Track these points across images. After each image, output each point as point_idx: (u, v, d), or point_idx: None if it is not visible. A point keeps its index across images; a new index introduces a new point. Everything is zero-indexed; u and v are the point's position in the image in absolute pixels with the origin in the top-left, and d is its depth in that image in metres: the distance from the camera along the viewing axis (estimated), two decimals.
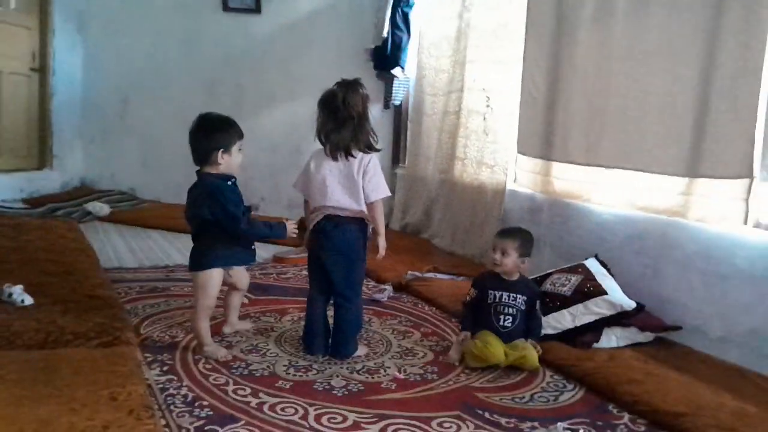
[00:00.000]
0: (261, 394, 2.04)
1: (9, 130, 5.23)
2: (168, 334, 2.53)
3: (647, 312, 2.68)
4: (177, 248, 4.17)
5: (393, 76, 5.31)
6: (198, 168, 2.32)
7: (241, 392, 2.04)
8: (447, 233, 4.54)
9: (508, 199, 3.95)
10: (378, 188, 2.38)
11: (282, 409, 1.93)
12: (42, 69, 5.45)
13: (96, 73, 5.75)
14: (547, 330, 2.60)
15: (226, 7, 5.67)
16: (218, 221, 2.25)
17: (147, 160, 5.86)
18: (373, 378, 2.25)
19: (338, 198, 2.36)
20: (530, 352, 2.37)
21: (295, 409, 1.95)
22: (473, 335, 2.45)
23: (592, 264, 2.88)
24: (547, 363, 2.42)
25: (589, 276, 2.77)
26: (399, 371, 2.32)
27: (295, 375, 2.23)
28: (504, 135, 4.02)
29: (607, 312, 2.61)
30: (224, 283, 2.42)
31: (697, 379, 2.29)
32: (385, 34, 5.18)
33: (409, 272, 3.63)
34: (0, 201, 4.80)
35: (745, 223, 2.57)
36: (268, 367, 2.28)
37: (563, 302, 2.69)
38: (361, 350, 2.48)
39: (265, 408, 1.94)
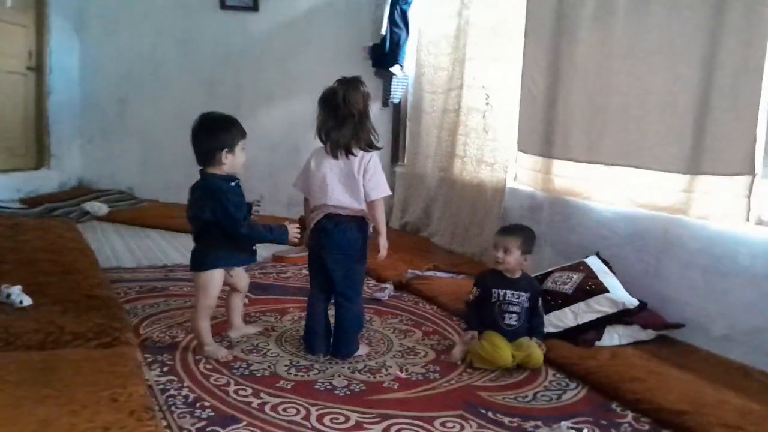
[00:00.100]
0: (262, 395, 2.02)
1: (6, 129, 5.20)
2: (168, 335, 2.52)
3: (649, 310, 2.67)
4: (176, 248, 4.15)
5: (392, 74, 5.29)
6: (201, 168, 2.30)
7: (242, 393, 2.03)
8: (447, 232, 4.53)
9: (508, 197, 3.93)
10: (378, 187, 2.37)
11: (284, 410, 1.92)
12: (39, 68, 5.42)
13: (93, 72, 5.73)
14: (548, 328, 2.59)
15: (223, 5, 5.64)
16: (219, 222, 2.23)
17: (145, 160, 5.84)
18: (375, 377, 2.24)
19: (338, 197, 2.35)
20: (535, 351, 2.36)
21: (297, 409, 1.93)
22: (479, 335, 2.44)
23: (593, 262, 2.88)
24: (550, 361, 2.41)
25: (590, 274, 2.77)
26: (401, 370, 2.31)
27: (296, 375, 2.22)
28: (504, 133, 4.01)
29: (609, 310, 2.60)
30: (225, 284, 2.41)
31: (700, 377, 2.28)
32: (383, 32, 5.16)
33: (410, 271, 3.61)
34: None
35: (747, 220, 2.57)
36: (269, 367, 2.27)
37: (565, 300, 2.68)
38: (363, 349, 2.47)
39: (267, 408, 1.92)
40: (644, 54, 2.93)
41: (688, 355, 2.55)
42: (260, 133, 5.39)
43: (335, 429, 1.83)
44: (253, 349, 2.44)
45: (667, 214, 2.85)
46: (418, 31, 5.17)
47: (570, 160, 3.41)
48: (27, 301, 2.55)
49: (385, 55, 5.21)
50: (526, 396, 2.15)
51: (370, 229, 2.42)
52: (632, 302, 2.63)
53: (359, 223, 2.38)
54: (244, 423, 1.82)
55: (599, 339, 2.57)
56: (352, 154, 2.34)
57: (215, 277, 2.29)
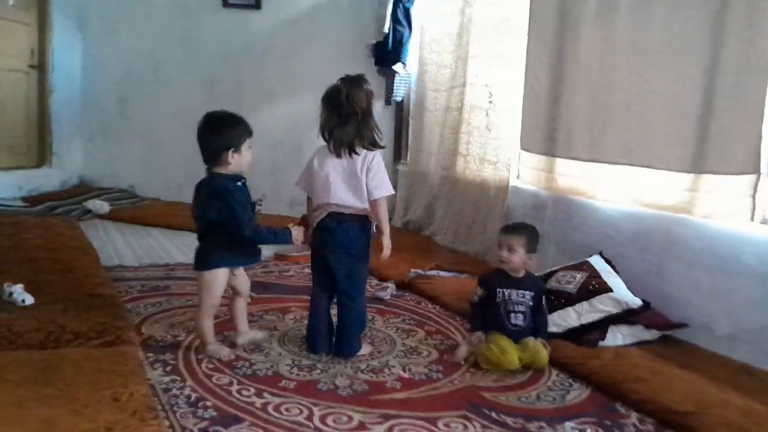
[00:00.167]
0: (265, 394, 2.02)
1: (8, 128, 5.20)
2: (170, 334, 2.51)
3: (653, 309, 2.66)
4: (177, 246, 4.15)
5: (394, 72, 5.27)
6: (207, 167, 2.29)
7: (245, 392, 2.02)
8: (449, 230, 4.52)
9: (511, 195, 3.92)
10: (381, 186, 2.35)
11: (286, 410, 1.92)
12: (41, 66, 5.41)
13: (95, 70, 5.72)
14: (552, 328, 2.58)
15: (225, 3, 5.63)
16: (224, 223, 2.22)
17: (146, 158, 5.83)
18: (377, 377, 2.23)
19: (341, 195, 2.34)
20: (542, 352, 2.35)
21: (300, 409, 1.93)
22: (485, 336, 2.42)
23: (596, 261, 2.86)
24: (553, 361, 2.40)
25: (594, 273, 2.76)
26: (404, 370, 2.30)
27: (298, 374, 2.21)
28: (507, 131, 4.00)
29: (612, 310, 2.59)
30: (227, 286, 2.39)
31: (704, 377, 2.27)
32: (386, 30, 5.15)
33: (412, 270, 3.60)
34: None
35: (752, 219, 2.56)
36: (271, 366, 2.26)
37: (568, 300, 2.67)
38: (365, 349, 2.46)
39: (270, 408, 1.92)
40: (647, 51, 2.92)
41: (692, 355, 2.53)
42: (262, 132, 5.34)
43: (338, 429, 1.82)
44: (255, 348, 2.43)
45: (671, 213, 2.84)
46: (421, 29, 5.16)
47: (573, 158, 3.40)
48: (29, 299, 2.55)
49: (387, 53, 5.20)
50: (530, 396, 2.14)
51: (373, 228, 2.41)
52: (636, 302, 2.62)
53: (362, 221, 2.37)
54: (247, 423, 1.81)
55: (603, 339, 2.56)
56: (356, 152, 2.33)
57: (219, 277, 2.28)
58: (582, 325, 2.60)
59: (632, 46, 3.00)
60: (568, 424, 1.92)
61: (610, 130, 3.12)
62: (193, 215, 2.31)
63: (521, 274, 2.49)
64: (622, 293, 2.65)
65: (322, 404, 1.97)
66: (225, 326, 2.55)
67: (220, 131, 2.23)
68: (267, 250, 3.92)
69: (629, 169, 3.05)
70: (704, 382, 2.22)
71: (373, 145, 2.36)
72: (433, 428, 1.86)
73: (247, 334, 2.47)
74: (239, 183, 2.27)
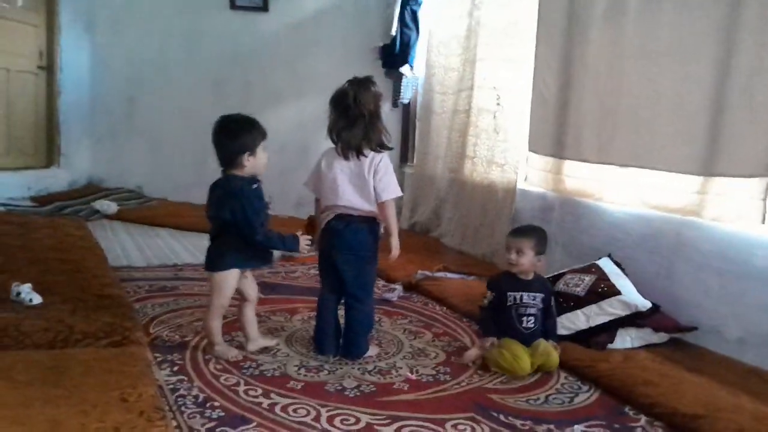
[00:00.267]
0: (272, 395, 2.01)
1: (17, 129, 5.22)
2: (178, 334, 2.51)
3: (662, 312, 2.64)
4: (185, 246, 4.15)
5: (401, 75, 5.28)
6: (223, 169, 2.29)
7: (252, 393, 2.02)
8: (457, 232, 4.51)
9: (518, 198, 3.91)
10: (389, 188, 2.35)
11: (294, 410, 1.91)
12: (49, 67, 5.43)
13: (103, 71, 5.73)
14: (560, 330, 2.57)
15: (233, 6, 5.65)
16: (236, 224, 2.22)
17: (154, 158, 5.84)
18: (385, 379, 2.22)
19: (349, 197, 2.34)
20: (552, 354, 2.34)
21: (307, 410, 1.92)
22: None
23: (605, 264, 2.85)
24: (561, 364, 2.38)
25: (602, 276, 2.74)
26: (411, 372, 2.29)
27: (306, 375, 2.20)
28: (514, 133, 3.99)
29: (621, 312, 2.58)
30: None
31: (714, 381, 2.25)
32: (393, 32, 5.15)
33: (419, 272, 3.60)
34: (8, 199, 4.78)
35: (763, 222, 2.54)
36: (279, 367, 2.26)
37: (577, 303, 2.66)
38: (373, 350, 2.46)
39: (277, 409, 1.91)
40: (656, 54, 2.91)
41: (701, 358, 2.52)
42: (269, 133, 5.38)
43: (345, 430, 1.81)
44: (262, 349, 2.42)
45: (680, 216, 2.83)
46: (428, 32, 5.16)
47: (581, 160, 3.39)
48: (37, 299, 2.55)
49: (395, 55, 5.21)
50: (538, 399, 2.13)
51: (381, 230, 2.40)
52: (645, 305, 2.60)
53: (370, 223, 2.37)
54: (255, 423, 1.81)
55: (611, 342, 2.55)
56: (363, 154, 2.33)
57: (230, 278, 2.28)
58: (590, 328, 2.59)
59: (641, 48, 2.99)
60: (578, 427, 1.91)
61: (619, 133, 3.11)
62: (207, 215, 2.31)
63: (530, 276, 2.47)
64: (632, 296, 2.64)
65: (330, 405, 1.96)
66: (233, 327, 2.55)
67: (236, 135, 2.24)
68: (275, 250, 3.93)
69: (638, 171, 3.03)
70: (714, 386, 2.20)
71: (380, 147, 2.36)
72: (441, 430, 1.85)
73: (257, 340, 2.44)
74: (254, 186, 2.27)
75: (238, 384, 2.08)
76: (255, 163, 2.27)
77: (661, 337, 2.62)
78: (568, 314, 2.64)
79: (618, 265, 2.86)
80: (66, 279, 2.92)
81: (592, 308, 2.62)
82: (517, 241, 2.45)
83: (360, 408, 1.96)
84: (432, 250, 4.33)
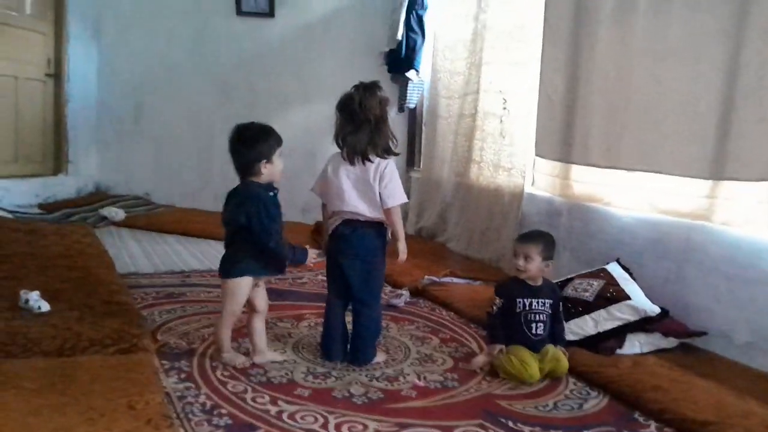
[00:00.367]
0: (280, 402, 2.01)
1: (25, 136, 5.24)
2: (185, 341, 2.51)
3: (671, 317, 2.63)
4: (192, 253, 4.16)
5: (407, 79, 5.27)
6: (241, 177, 2.30)
7: (259, 400, 2.01)
8: (463, 237, 4.50)
9: (525, 202, 3.90)
10: (394, 195, 2.34)
11: (302, 418, 1.90)
12: (57, 75, 5.45)
13: (111, 79, 5.76)
14: (569, 336, 2.55)
15: (239, 12, 5.66)
16: (251, 229, 2.22)
17: (161, 165, 5.86)
18: (392, 385, 2.22)
19: (355, 203, 2.33)
20: (562, 359, 2.32)
21: (315, 417, 1.91)
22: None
23: (614, 268, 2.84)
24: (570, 369, 2.37)
25: (611, 281, 2.73)
26: (419, 378, 2.29)
27: (313, 382, 2.20)
28: (521, 137, 3.98)
29: (630, 317, 2.57)
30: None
31: (724, 386, 2.24)
32: (399, 37, 5.15)
33: (426, 277, 3.59)
34: (16, 206, 4.80)
35: None
36: (286, 374, 2.25)
37: (585, 308, 2.65)
38: (380, 356, 2.45)
39: (285, 416, 1.91)
40: (664, 56, 2.89)
41: (711, 363, 2.50)
42: None
43: None
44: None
45: (689, 220, 2.81)
46: (434, 36, 5.16)
47: (588, 164, 3.37)
48: (45, 306, 2.55)
49: (400, 60, 5.20)
50: (547, 405, 2.12)
51: (389, 235, 2.40)
52: (654, 310, 2.59)
53: (377, 228, 2.37)
54: (262, 431, 1.80)
55: (620, 347, 2.54)
56: (369, 160, 2.32)
57: (243, 285, 2.28)
58: (599, 333, 2.57)
59: (649, 50, 2.97)
60: None
61: (627, 136, 3.09)
62: (223, 220, 2.32)
63: (539, 282, 2.46)
64: (640, 301, 2.62)
65: (337, 412, 1.96)
66: (240, 333, 2.54)
67: (253, 144, 2.25)
68: None
69: (646, 175, 3.02)
70: (724, 391, 2.19)
71: (386, 152, 2.35)
72: None
73: (265, 353, 2.40)
74: (271, 193, 2.27)
75: (245, 391, 2.08)
76: (272, 170, 2.28)
77: (671, 342, 2.61)
78: (577, 319, 2.63)
79: (626, 269, 2.85)
80: (74, 286, 2.93)
81: (601, 313, 2.60)
82: (525, 246, 2.44)
83: (368, 415, 1.95)
84: (438, 255, 4.32)
